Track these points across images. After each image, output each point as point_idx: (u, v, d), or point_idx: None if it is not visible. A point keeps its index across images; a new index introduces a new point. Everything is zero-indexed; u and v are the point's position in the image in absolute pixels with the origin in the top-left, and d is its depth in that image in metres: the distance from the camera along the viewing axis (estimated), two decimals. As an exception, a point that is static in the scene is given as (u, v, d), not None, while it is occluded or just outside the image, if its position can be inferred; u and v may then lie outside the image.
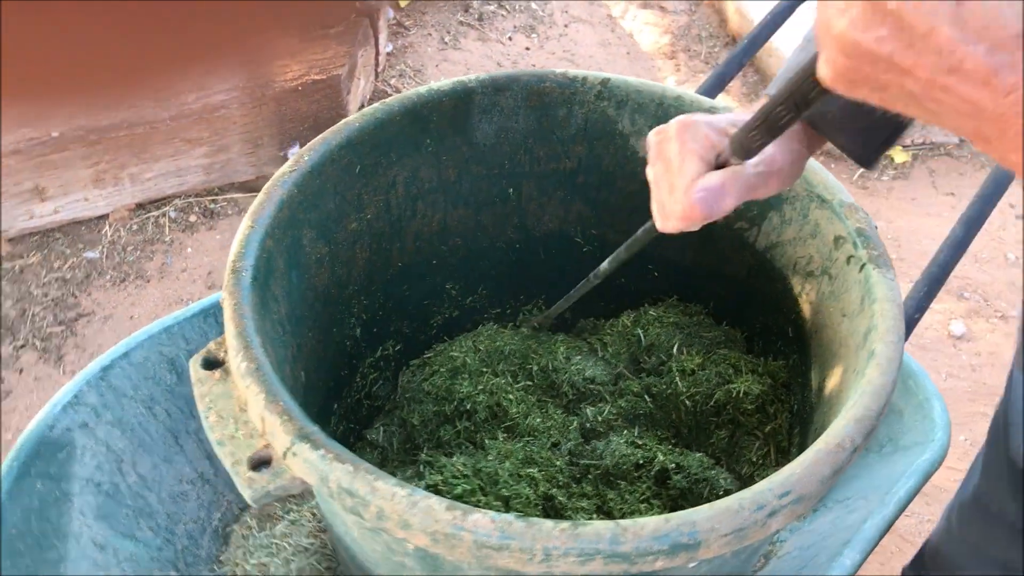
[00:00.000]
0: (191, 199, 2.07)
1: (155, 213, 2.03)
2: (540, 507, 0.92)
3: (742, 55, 1.52)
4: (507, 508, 0.89)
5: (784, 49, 2.49)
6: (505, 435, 1.01)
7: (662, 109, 1.03)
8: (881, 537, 0.93)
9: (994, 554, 0.91)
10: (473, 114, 1.03)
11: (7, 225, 1.90)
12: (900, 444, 1.08)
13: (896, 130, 0.74)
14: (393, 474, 0.72)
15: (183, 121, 1.93)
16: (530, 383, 1.08)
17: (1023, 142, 0.45)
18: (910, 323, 1.14)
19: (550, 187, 1.12)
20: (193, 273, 1.97)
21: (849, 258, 0.87)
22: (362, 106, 2.31)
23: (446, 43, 2.72)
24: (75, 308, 1.85)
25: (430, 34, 2.76)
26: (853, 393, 0.74)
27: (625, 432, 1.01)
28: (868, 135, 0.75)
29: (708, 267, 1.10)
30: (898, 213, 2.30)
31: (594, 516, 0.93)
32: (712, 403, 1.01)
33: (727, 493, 0.95)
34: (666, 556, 0.63)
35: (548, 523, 0.62)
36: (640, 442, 0.99)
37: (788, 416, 1.00)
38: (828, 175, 0.92)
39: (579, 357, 1.09)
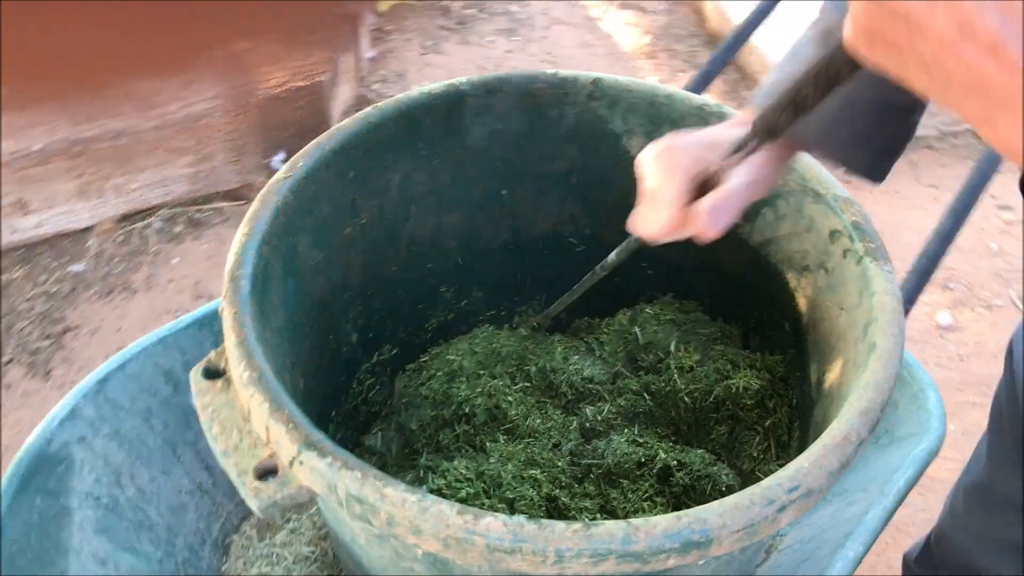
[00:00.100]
0: (176, 209, 2.05)
1: (140, 224, 2.01)
2: (544, 508, 0.92)
3: (727, 52, 1.53)
4: (512, 511, 0.89)
5: (763, 47, 2.50)
6: (505, 437, 1.01)
7: (654, 108, 1.04)
8: (882, 528, 0.94)
9: (1002, 537, 0.92)
10: (465, 116, 1.03)
11: (-10, 239, 1.88)
12: (896, 435, 1.08)
13: (896, 137, 0.75)
14: (396, 479, 0.71)
15: (167, 131, 1.92)
16: (528, 384, 1.08)
17: None
18: (902, 315, 1.14)
19: (544, 188, 1.12)
20: (180, 284, 1.96)
21: (845, 252, 0.88)
22: (345, 112, 2.31)
23: (427, 47, 2.72)
24: (62, 322, 1.83)
25: (411, 39, 2.76)
26: (856, 386, 0.75)
27: (625, 431, 1.01)
28: (866, 143, 0.76)
29: (703, 264, 1.10)
30: (881, 206, 2.32)
31: (598, 516, 0.93)
32: (711, 399, 1.02)
33: (729, 489, 0.96)
34: (678, 554, 0.63)
35: (560, 524, 0.62)
36: (641, 440, 0.99)
37: (787, 410, 1.00)
38: (822, 169, 0.92)
39: (577, 357, 1.09)
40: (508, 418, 1.03)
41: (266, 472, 0.70)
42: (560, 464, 0.97)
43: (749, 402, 1.00)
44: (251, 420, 0.72)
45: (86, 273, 1.93)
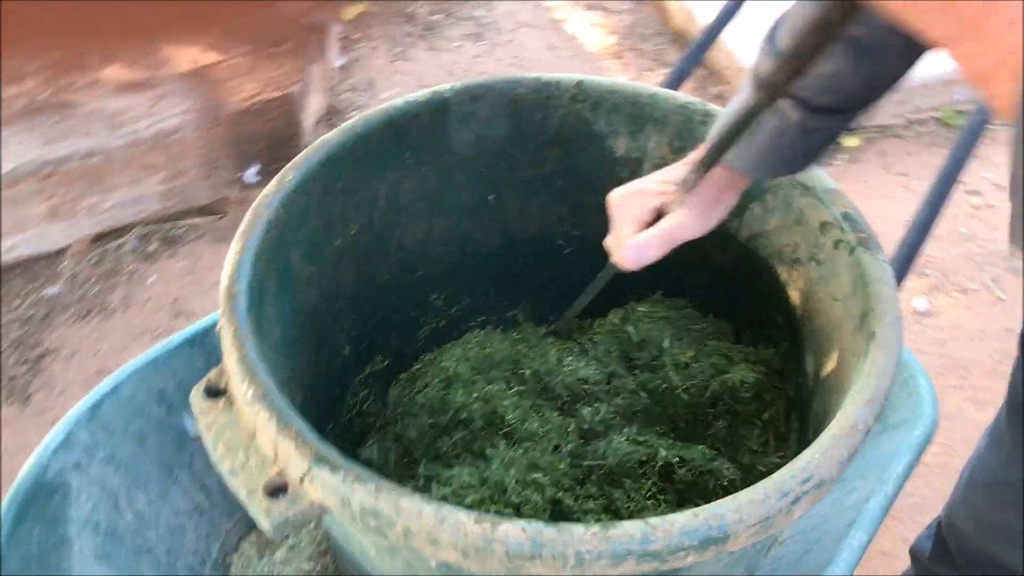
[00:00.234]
0: (150, 227, 2.03)
1: (114, 244, 1.99)
2: (548, 512, 0.92)
3: (698, 51, 1.54)
4: (518, 515, 0.89)
5: (731, 44, 2.52)
6: (504, 442, 1.01)
7: (637, 108, 1.04)
8: (884, 515, 0.95)
9: (1015, 525, 0.93)
10: (450, 123, 1.03)
11: (-39, 266, 1.84)
12: (890, 423, 1.10)
13: (824, 144, 0.82)
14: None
15: (138, 148, 1.89)
16: (524, 388, 1.07)
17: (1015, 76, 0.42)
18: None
19: (530, 191, 1.12)
20: (158, 302, 1.93)
21: (837, 243, 0.89)
22: (318, 123, 2.29)
23: (396, 55, 2.71)
24: (39, 346, 1.80)
25: (378, 47, 2.75)
26: (858, 376, 0.75)
27: (624, 430, 1.01)
28: (802, 159, 0.84)
29: (692, 261, 1.10)
30: (852, 197, 2.34)
31: (603, 516, 0.93)
32: (708, 394, 1.02)
33: (731, 483, 0.96)
34: (696, 551, 0.63)
35: (579, 528, 0.62)
36: (641, 439, 0.99)
37: (784, 403, 1.01)
38: (809, 163, 0.93)
39: (571, 358, 1.09)
40: (506, 423, 1.02)
41: (276, 490, 0.69)
42: (562, 467, 0.97)
43: (746, 395, 1.00)
44: (258, 438, 0.71)
45: (61, 296, 1.90)
